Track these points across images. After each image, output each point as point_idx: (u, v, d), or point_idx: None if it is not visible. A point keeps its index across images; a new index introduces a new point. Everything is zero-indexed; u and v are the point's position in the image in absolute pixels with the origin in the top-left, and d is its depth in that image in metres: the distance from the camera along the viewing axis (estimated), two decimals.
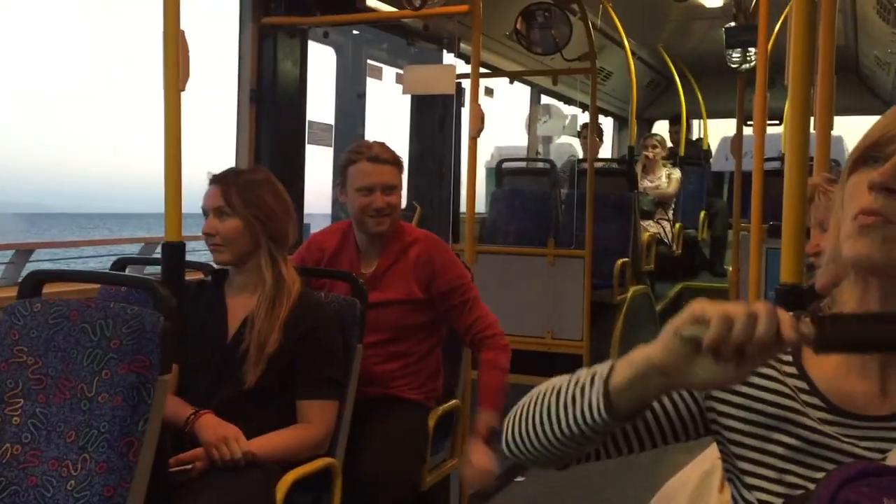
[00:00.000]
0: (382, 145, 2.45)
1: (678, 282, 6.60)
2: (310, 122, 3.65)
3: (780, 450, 0.91)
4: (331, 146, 4.00)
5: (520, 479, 3.67)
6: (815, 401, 0.91)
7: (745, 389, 0.94)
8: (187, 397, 1.97)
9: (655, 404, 0.97)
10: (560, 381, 0.95)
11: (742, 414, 0.94)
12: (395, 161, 2.45)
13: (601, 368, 0.90)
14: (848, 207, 0.87)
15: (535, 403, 0.96)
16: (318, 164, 4.03)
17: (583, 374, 0.92)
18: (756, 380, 0.94)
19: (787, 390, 0.93)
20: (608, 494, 3.40)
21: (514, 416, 0.99)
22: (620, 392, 0.86)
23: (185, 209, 1.96)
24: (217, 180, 2.09)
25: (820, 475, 0.87)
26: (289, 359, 1.98)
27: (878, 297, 0.87)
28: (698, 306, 0.79)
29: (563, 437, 0.92)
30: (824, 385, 0.92)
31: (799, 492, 0.88)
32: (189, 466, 1.83)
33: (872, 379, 0.90)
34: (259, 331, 1.96)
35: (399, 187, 2.46)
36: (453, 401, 2.65)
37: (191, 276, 2.17)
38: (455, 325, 2.50)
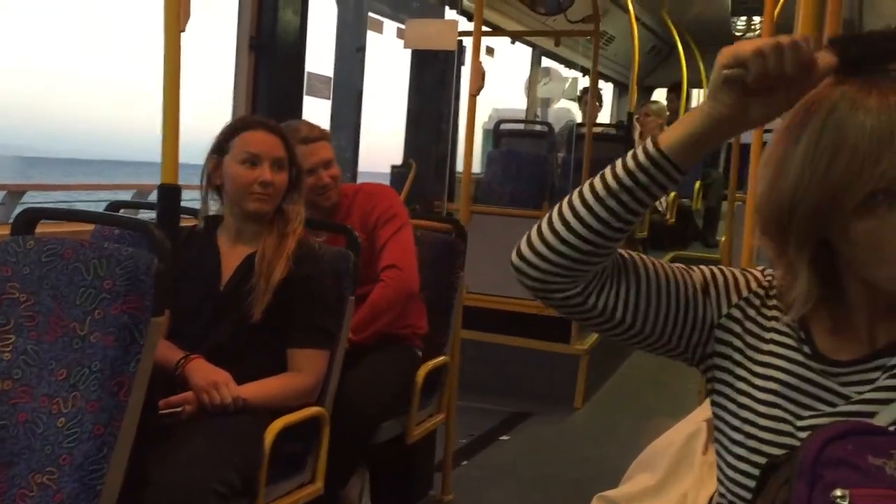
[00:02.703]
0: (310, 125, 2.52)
1: (670, 250, 6.62)
2: (308, 73, 3.61)
3: (770, 384, 0.95)
4: (329, 99, 3.96)
5: (504, 437, 3.72)
6: (805, 349, 0.95)
7: (747, 335, 0.98)
8: (177, 343, 1.97)
9: (672, 306, 0.99)
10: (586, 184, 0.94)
11: (741, 348, 0.98)
12: (325, 136, 2.53)
13: (633, 152, 0.91)
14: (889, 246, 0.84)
15: (567, 200, 0.95)
16: (315, 118, 3.99)
17: (609, 167, 0.92)
18: (762, 321, 0.98)
19: (783, 340, 0.97)
20: (590, 454, 3.45)
21: (539, 224, 0.98)
22: (680, 149, 0.88)
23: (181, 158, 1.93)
24: (274, 130, 2.07)
25: (806, 414, 0.90)
26: (291, 295, 1.98)
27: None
28: (728, 51, 0.83)
29: (601, 213, 0.91)
30: (819, 340, 0.95)
31: (785, 429, 0.91)
32: (179, 409, 1.84)
33: (862, 335, 0.92)
34: (269, 262, 1.98)
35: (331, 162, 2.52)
36: (441, 357, 2.67)
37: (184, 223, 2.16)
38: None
